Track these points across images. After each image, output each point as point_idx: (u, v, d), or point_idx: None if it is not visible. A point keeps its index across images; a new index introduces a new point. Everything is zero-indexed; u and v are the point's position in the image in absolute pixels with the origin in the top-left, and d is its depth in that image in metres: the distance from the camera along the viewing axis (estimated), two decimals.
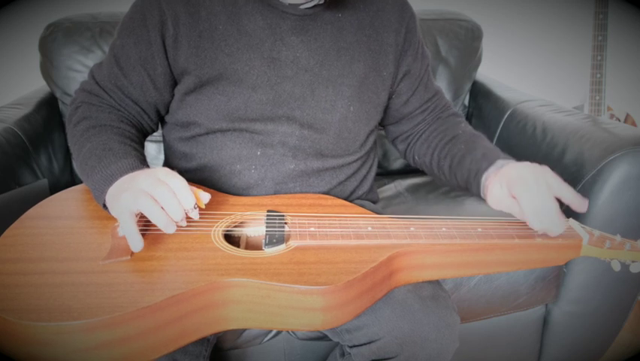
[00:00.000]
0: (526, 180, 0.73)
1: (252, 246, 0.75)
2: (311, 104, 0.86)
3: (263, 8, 0.83)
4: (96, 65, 0.88)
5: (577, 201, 0.73)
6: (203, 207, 0.69)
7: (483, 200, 0.83)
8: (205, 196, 0.68)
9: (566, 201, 0.73)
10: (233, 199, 0.81)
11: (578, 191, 1.05)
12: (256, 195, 0.85)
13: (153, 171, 0.68)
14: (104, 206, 0.71)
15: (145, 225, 0.68)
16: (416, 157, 1.01)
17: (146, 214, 0.64)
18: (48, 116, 1.31)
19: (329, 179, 0.90)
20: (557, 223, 0.71)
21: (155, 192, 0.64)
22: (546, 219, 0.71)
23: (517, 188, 0.73)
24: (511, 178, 0.75)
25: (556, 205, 0.71)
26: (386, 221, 0.76)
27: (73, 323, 0.53)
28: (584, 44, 1.93)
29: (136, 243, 0.63)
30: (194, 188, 0.68)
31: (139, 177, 0.67)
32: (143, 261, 0.63)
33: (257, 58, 0.83)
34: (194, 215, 0.67)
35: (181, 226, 0.68)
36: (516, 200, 0.74)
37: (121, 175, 0.70)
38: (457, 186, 0.92)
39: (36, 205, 0.75)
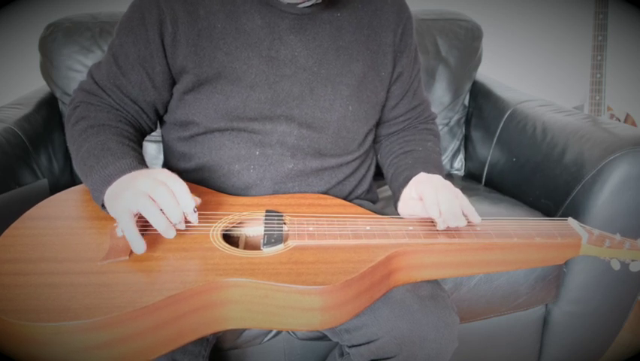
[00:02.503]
0: (432, 180, 0.79)
1: (250, 246, 0.75)
2: (309, 103, 0.86)
3: (261, 7, 0.83)
4: (95, 64, 0.88)
5: (473, 214, 0.75)
6: None
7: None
8: (195, 200, 0.68)
9: (466, 210, 0.75)
10: (231, 199, 0.81)
11: (578, 191, 1.05)
12: (255, 195, 0.85)
13: (153, 173, 0.68)
14: (103, 206, 0.71)
15: (143, 225, 0.68)
16: (379, 156, 1.02)
17: (145, 217, 0.64)
18: (48, 116, 1.31)
19: (328, 178, 0.90)
20: (458, 216, 0.72)
21: (155, 194, 0.64)
22: (445, 208, 0.72)
23: (422, 186, 0.78)
24: (419, 180, 0.81)
25: (459, 203, 0.74)
26: (384, 221, 0.76)
27: (72, 323, 0.53)
28: (584, 44, 1.93)
29: (138, 245, 0.63)
30: None
31: (138, 177, 0.67)
32: (141, 261, 0.63)
33: (255, 57, 0.83)
34: (194, 219, 0.67)
35: (179, 229, 0.68)
36: (422, 200, 0.76)
37: (119, 176, 0.70)
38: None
39: (36, 206, 0.75)
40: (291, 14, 0.84)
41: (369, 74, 0.90)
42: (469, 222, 0.75)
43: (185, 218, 0.67)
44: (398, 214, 0.82)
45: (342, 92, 0.87)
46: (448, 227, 0.73)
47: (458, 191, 0.76)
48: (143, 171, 0.70)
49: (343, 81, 0.87)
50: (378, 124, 1.00)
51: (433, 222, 0.75)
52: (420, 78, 1.00)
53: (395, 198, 0.87)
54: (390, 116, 0.99)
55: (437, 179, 0.79)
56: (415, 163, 0.89)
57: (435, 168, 0.88)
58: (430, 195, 0.74)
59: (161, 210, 0.64)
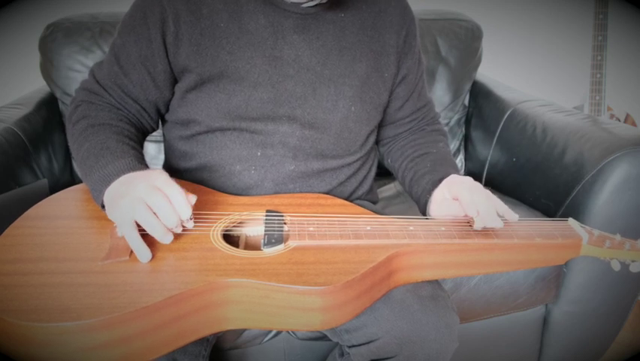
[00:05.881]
0: (464, 182, 0.80)
1: (251, 246, 0.75)
2: (312, 103, 0.86)
3: (265, 7, 0.83)
4: (96, 63, 0.88)
5: (509, 213, 0.77)
6: None
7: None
8: (192, 198, 0.68)
9: (500, 210, 0.76)
10: (231, 199, 0.81)
11: (578, 191, 1.06)
12: (255, 195, 0.84)
13: (150, 176, 0.68)
14: (102, 206, 0.70)
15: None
16: (389, 160, 1.03)
17: (142, 225, 0.64)
18: (48, 116, 1.31)
19: (329, 180, 0.90)
20: (494, 217, 0.74)
21: (151, 201, 0.64)
22: (483, 209, 0.73)
23: (457, 187, 0.79)
24: (453, 182, 0.82)
25: (493, 204, 0.75)
26: (385, 221, 0.76)
27: (73, 324, 0.53)
28: (584, 44, 1.93)
29: (143, 254, 0.63)
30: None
31: (135, 181, 0.67)
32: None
33: (258, 56, 0.83)
34: (189, 225, 0.67)
35: (175, 233, 0.67)
36: (457, 201, 0.77)
37: (118, 175, 0.70)
38: (412, 199, 0.94)
39: (35, 205, 0.75)
40: (294, 14, 0.84)
41: (373, 75, 0.90)
42: (505, 221, 0.75)
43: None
44: (416, 215, 0.83)
45: (345, 93, 0.87)
46: (484, 227, 0.74)
47: (489, 192, 0.78)
48: (142, 173, 0.70)
49: (346, 82, 0.87)
50: (384, 126, 1.01)
51: (469, 222, 0.76)
52: (424, 79, 1.00)
53: (423, 201, 0.87)
54: (397, 118, 0.99)
55: (469, 180, 0.80)
56: (434, 165, 0.90)
57: (452, 168, 0.90)
58: (466, 196, 0.75)
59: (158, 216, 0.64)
